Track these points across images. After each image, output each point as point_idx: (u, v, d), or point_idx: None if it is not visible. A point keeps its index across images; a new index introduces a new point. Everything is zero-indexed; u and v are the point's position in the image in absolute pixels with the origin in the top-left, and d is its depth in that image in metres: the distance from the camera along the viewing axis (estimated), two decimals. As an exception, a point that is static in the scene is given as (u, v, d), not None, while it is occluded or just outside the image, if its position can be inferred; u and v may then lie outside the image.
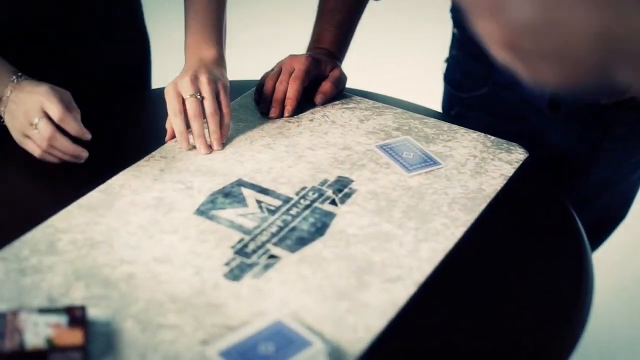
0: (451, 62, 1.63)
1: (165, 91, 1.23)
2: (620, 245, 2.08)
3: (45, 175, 1.21)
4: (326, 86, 1.38)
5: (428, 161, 1.23)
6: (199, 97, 1.22)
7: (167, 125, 1.25)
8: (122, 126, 1.35)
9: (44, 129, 1.15)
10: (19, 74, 1.20)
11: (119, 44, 1.47)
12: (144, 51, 1.58)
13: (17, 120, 1.17)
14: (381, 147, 1.26)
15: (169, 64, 1.59)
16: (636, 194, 1.64)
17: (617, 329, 2.21)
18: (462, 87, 1.59)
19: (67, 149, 1.17)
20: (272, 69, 1.40)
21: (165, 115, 1.26)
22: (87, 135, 1.17)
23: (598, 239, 1.74)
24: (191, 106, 1.22)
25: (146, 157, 1.22)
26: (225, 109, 1.24)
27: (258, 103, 1.38)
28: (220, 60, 1.30)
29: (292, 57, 1.40)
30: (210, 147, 1.23)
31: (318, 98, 1.38)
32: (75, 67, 1.38)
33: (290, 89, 1.35)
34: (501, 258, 1.08)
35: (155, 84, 1.58)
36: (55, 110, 1.15)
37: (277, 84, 1.37)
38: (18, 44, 1.31)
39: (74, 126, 1.16)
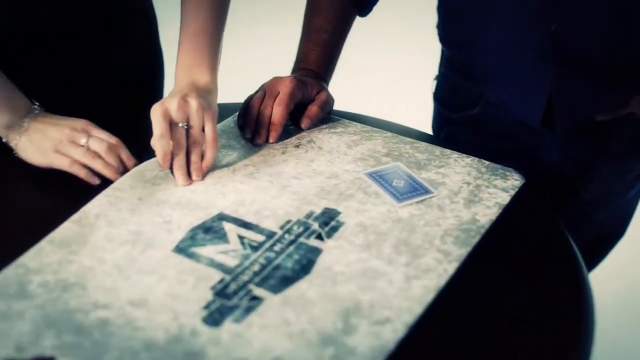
0: (441, 80, 1.59)
1: (152, 110, 1.18)
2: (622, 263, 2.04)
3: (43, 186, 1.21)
4: (312, 110, 1.34)
5: (419, 190, 1.18)
6: (186, 126, 1.18)
7: (152, 145, 1.20)
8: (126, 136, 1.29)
9: (99, 143, 1.20)
10: (36, 105, 1.23)
11: (126, 45, 1.45)
12: (154, 56, 1.55)
13: (46, 142, 1.21)
14: (370, 175, 1.22)
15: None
16: (634, 211, 1.60)
17: None
18: (452, 106, 1.55)
19: (123, 154, 1.22)
20: (256, 92, 1.36)
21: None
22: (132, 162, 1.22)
23: (596, 256, 1.71)
24: (179, 135, 1.19)
25: (124, 177, 1.19)
26: (211, 141, 1.20)
27: (242, 128, 1.33)
28: (212, 87, 1.27)
29: (276, 79, 1.36)
30: (189, 179, 1.18)
31: (304, 122, 1.33)
32: (77, 68, 1.36)
33: (275, 114, 1.31)
34: (494, 293, 1.03)
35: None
36: (104, 134, 1.21)
37: (262, 108, 1.32)
38: (18, 44, 1.30)
39: (125, 152, 1.22)
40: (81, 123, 1.22)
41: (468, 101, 1.53)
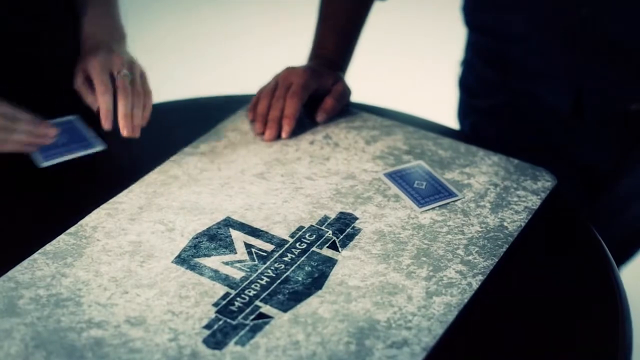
0: (465, 66, 1.52)
1: (90, 66, 1.17)
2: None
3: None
4: (328, 102, 1.27)
5: (443, 192, 1.12)
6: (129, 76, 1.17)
7: (98, 103, 1.16)
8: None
9: None
10: None
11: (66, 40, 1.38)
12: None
13: None
14: (389, 175, 1.15)
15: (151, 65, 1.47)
16: None
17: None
18: (477, 94, 1.48)
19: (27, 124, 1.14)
20: (268, 84, 1.29)
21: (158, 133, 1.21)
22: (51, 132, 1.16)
23: (629, 253, 1.65)
24: (124, 84, 1.16)
25: (125, 191, 1.12)
26: (149, 91, 1.21)
27: (252, 123, 1.27)
28: (124, 40, 1.27)
29: (289, 69, 1.29)
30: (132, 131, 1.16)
31: (319, 116, 1.27)
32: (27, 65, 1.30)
33: (288, 107, 1.24)
34: (522, 308, 0.96)
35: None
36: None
37: (273, 100, 1.26)
38: None
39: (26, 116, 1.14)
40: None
41: (494, 88, 1.46)
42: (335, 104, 1.28)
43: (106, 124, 1.15)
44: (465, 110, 1.59)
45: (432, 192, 1.12)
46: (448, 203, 1.11)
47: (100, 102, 1.15)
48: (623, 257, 1.66)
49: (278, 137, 1.24)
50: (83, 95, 1.19)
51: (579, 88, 1.33)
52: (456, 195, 1.12)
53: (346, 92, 1.30)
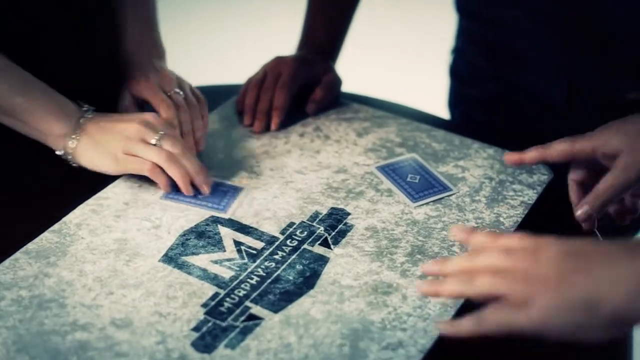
0: (456, 53, 1.49)
1: (144, 87, 1.16)
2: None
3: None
4: (319, 93, 1.25)
5: (437, 187, 1.09)
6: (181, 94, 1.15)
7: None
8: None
9: (172, 142, 1.07)
10: (85, 106, 1.10)
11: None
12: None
13: (112, 143, 1.06)
14: (382, 168, 1.13)
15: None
16: None
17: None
18: (469, 82, 1.46)
19: (194, 163, 1.09)
20: (256, 74, 1.26)
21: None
22: (206, 189, 1.10)
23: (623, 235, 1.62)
24: (179, 101, 1.16)
25: (110, 186, 1.09)
26: (204, 104, 1.20)
27: (240, 114, 1.24)
28: (164, 57, 1.25)
29: (278, 59, 1.27)
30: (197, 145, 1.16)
31: (310, 107, 1.24)
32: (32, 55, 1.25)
33: (277, 98, 1.22)
34: None
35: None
36: (175, 132, 1.11)
37: (262, 91, 1.23)
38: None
39: (194, 162, 1.09)
40: (150, 117, 1.08)
41: (485, 77, 1.43)
42: (325, 94, 1.25)
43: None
44: (456, 98, 1.57)
45: (426, 187, 1.10)
46: (442, 198, 1.08)
47: (167, 117, 1.13)
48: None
49: (267, 129, 1.22)
50: None
51: (572, 79, 1.31)
52: (450, 190, 1.09)
53: (337, 82, 1.28)
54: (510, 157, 1.01)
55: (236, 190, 1.10)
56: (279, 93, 1.23)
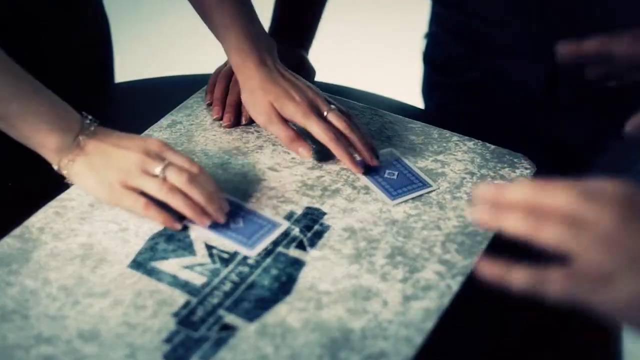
0: (430, 39, 1.46)
1: (291, 112, 1.08)
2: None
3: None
4: None
5: (416, 183, 1.06)
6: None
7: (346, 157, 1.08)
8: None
9: (178, 174, 0.97)
10: (88, 118, 1.02)
11: (78, 25, 1.30)
12: (104, 35, 1.42)
13: (110, 172, 0.99)
14: (358, 164, 1.09)
15: (134, 58, 1.40)
16: None
17: None
18: (444, 70, 1.42)
19: (209, 187, 1.00)
20: (225, 64, 1.22)
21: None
22: (221, 218, 1.01)
23: None
24: (342, 121, 1.10)
25: (74, 186, 1.05)
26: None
27: (210, 107, 1.20)
28: (275, 50, 1.16)
29: None
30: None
31: None
32: (36, 52, 1.20)
33: None
34: (505, 310, 0.92)
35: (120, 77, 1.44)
36: (184, 160, 1.00)
37: (232, 83, 1.19)
38: None
39: (210, 182, 1.00)
40: (154, 144, 1.00)
41: (462, 65, 1.40)
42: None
43: (356, 169, 1.09)
44: (430, 86, 1.54)
45: (405, 183, 1.07)
46: (422, 195, 1.05)
47: (345, 156, 1.07)
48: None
49: (237, 123, 1.17)
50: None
51: (552, 68, 1.28)
52: (430, 186, 1.06)
53: (310, 72, 1.24)
54: (565, 48, 0.93)
55: (273, 226, 1.01)
56: None
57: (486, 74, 1.37)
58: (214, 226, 0.99)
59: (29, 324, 0.88)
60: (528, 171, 1.10)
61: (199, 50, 2.25)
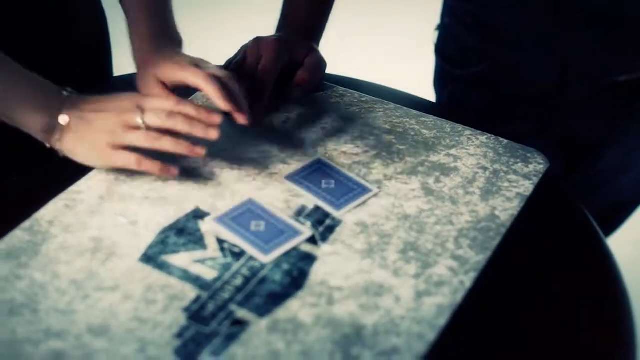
0: (442, 30, 1.45)
1: (175, 71, 1.07)
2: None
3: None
4: (303, 76, 1.20)
5: (356, 189, 1.05)
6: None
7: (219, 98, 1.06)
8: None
9: (156, 115, 1.00)
10: (67, 90, 1.03)
11: (76, 22, 1.30)
12: (103, 33, 1.43)
13: (97, 137, 1.01)
14: (292, 177, 1.08)
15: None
16: None
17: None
18: (456, 61, 1.42)
19: (190, 112, 1.01)
20: (236, 56, 1.21)
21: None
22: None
23: (613, 224, 1.62)
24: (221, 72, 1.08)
25: (83, 179, 1.04)
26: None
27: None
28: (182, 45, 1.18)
29: (257, 40, 1.20)
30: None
31: (293, 92, 1.19)
32: (21, 50, 1.19)
33: (260, 84, 1.16)
34: (519, 308, 0.94)
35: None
36: (157, 101, 1.01)
37: (242, 76, 1.17)
38: None
39: (190, 108, 1.01)
40: (127, 99, 1.02)
41: (474, 57, 1.39)
42: (309, 78, 1.21)
43: (242, 118, 1.05)
44: (443, 78, 1.53)
45: (345, 191, 1.05)
46: (365, 201, 1.03)
47: (218, 97, 1.04)
48: (607, 229, 1.63)
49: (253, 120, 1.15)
50: None
51: (564, 61, 1.27)
52: (371, 190, 1.04)
53: (321, 64, 1.23)
54: None
55: (295, 234, 0.99)
56: (261, 78, 1.16)
57: (498, 66, 1.36)
58: (233, 226, 0.98)
59: (38, 318, 0.87)
60: (541, 166, 1.10)
61: (199, 44, 2.24)
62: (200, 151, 1.00)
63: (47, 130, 1.02)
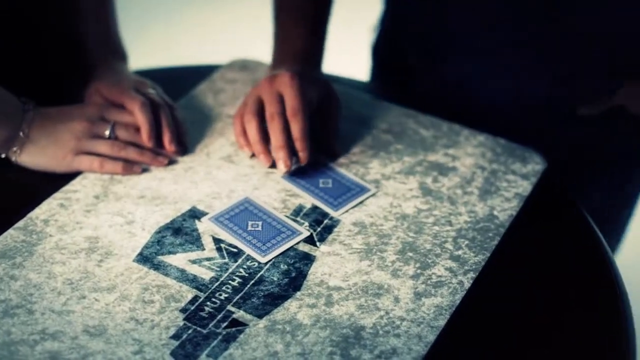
0: (382, 36, 1.39)
1: (113, 91, 1.11)
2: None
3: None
4: (331, 126, 1.11)
5: (354, 189, 1.04)
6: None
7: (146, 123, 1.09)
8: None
9: (126, 131, 1.07)
10: (24, 101, 1.05)
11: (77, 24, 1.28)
12: None
13: (62, 145, 1.04)
14: (289, 176, 1.07)
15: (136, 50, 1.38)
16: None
17: None
18: (396, 73, 1.37)
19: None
20: (245, 104, 1.08)
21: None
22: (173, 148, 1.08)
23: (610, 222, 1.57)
24: (156, 99, 1.13)
25: (78, 178, 1.03)
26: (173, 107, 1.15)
27: (243, 148, 1.10)
28: (127, 60, 1.22)
29: (270, 79, 1.06)
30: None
31: (331, 153, 1.10)
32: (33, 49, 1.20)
33: (296, 129, 1.02)
34: (518, 309, 0.92)
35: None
36: (126, 116, 1.08)
37: (269, 121, 1.03)
38: None
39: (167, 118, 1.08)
40: (94, 108, 1.08)
41: (416, 76, 1.33)
42: (337, 121, 1.12)
43: (172, 145, 1.09)
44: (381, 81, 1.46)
45: (343, 190, 1.04)
46: (363, 201, 1.03)
47: (144, 121, 1.07)
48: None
49: (296, 163, 1.06)
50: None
51: (520, 85, 1.23)
52: (369, 190, 1.04)
53: (340, 102, 1.12)
54: None
55: (293, 233, 0.98)
56: (295, 121, 1.03)
57: (444, 84, 1.30)
58: (230, 226, 0.98)
59: (34, 319, 0.86)
60: (539, 166, 1.09)
61: (202, 41, 2.25)
62: (163, 160, 1.06)
63: (6, 142, 1.02)
